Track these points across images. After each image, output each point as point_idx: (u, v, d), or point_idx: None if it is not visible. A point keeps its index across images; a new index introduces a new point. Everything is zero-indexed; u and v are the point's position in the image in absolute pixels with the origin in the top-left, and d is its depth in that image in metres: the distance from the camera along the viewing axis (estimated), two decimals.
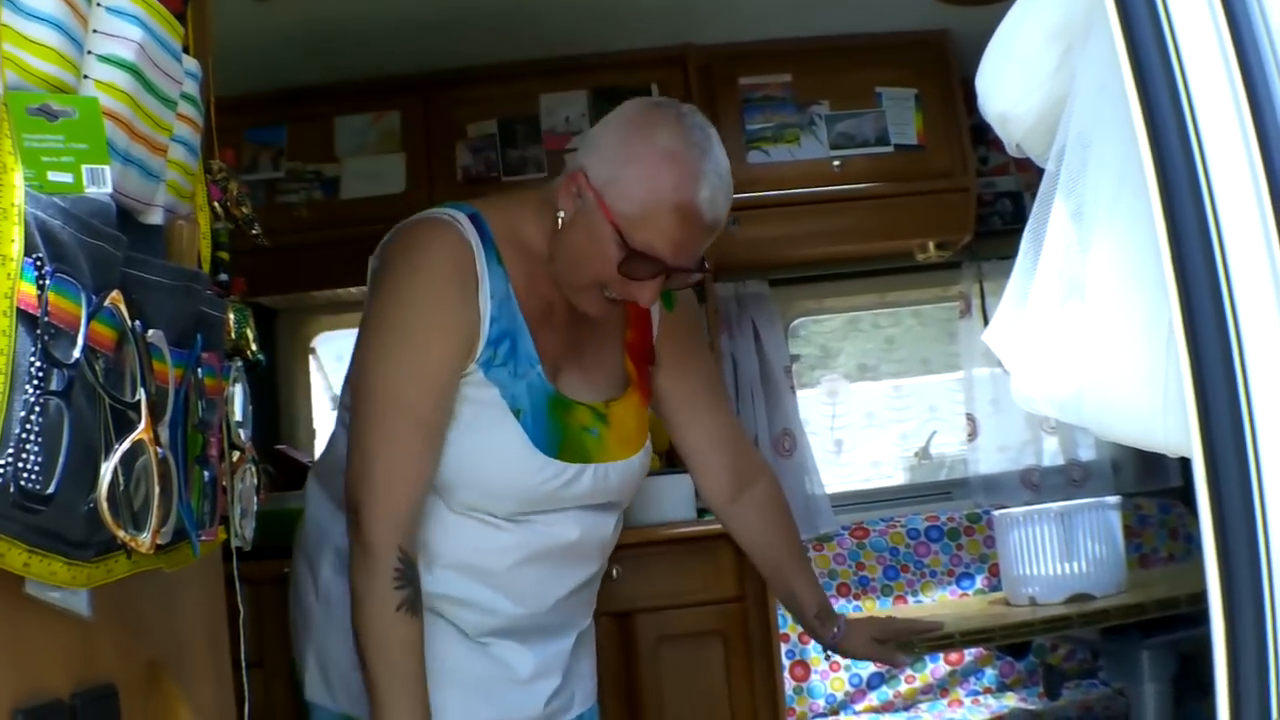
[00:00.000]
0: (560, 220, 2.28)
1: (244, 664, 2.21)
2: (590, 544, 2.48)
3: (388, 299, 2.27)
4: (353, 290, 4.79)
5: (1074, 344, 1.38)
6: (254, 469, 1.81)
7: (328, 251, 4.49)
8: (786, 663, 4.46)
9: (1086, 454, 5.13)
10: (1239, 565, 1.05)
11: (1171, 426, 1.24)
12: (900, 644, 2.91)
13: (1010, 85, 1.55)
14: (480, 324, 2.28)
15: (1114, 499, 3.46)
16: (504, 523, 2.32)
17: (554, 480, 2.33)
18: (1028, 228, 1.50)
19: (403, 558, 2.18)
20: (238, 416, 1.73)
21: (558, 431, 2.35)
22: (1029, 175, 4.83)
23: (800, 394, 5.10)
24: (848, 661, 4.42)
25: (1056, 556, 3.34)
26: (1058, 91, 1.48)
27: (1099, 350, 1.34)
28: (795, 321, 5.31)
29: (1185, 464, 3.85)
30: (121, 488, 1.28)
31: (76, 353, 1.19)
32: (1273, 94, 1.07)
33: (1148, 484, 5.03)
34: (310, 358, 5.17)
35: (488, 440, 2.28)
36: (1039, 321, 1.44)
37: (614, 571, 4.13)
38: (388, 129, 4.63)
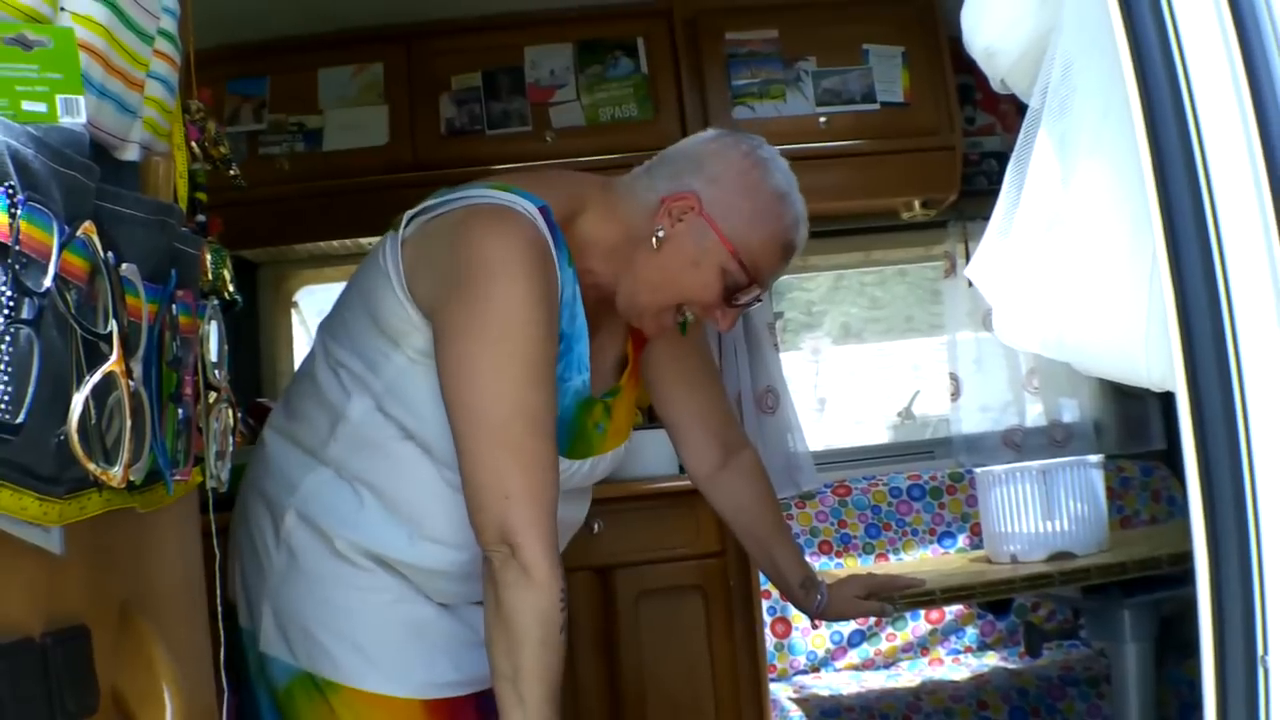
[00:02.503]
0: (656, 239, 2.32)
1: (220, 610, 2.20)
2: (568, 524, 2.49)
3: (490, 303, 2.17)
4: (334, 244, 4.77)
5: (1056, 278, 1.37)
6: (230, 410, 1.79)
7: (310, 204, 4.48)
8: (768, 619, 4.46)
9: (1070, 415, 5.13)
10: (1223, 500, 1.04)
11: (1154, 360, 1.23)
12: (881, 599, 2.93)
13: (995, 19, 1.54)
14: (559, 324, 2.28)
15: (1096, 457, 3.46)
16: None
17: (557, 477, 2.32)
18: (1011, 161, 1.49)
19: (563, 575, 2.16)
20: (213, 356, 1.71)
21: (573, 432, 2.37)
22: (1014, 136, 4.83)
23: (784, 355, 5.08)
24: None
25: (1038, 514, 3.34)
26: (1043, 25, 1.46)
27: (1081, 284, 1.33)
28: (780, 279, 5.28)
29: (1168, 426, 3.84)
30: (93, 421, 1.27)
31: (47, 281, 1.18)
32: (1260, 20, 1.06)
33: (1130, 446, 5.02)
34: (293, 311, 5.14)
35: None
36: (1021, 255, 1.43)
37: (595, 526, 4.13)
38: (371, 81, 4.60)
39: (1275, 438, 1.03)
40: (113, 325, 1.28)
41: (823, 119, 4.60)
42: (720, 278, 2.33)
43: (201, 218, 1.89)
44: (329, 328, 2.45)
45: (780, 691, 4.31)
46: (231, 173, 2.00)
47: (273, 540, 2.37)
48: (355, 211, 4.45)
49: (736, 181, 2.33)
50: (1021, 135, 1.47)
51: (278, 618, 2.35)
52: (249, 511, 2.44)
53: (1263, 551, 1.02)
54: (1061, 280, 1.37)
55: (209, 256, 1.84)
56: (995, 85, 1.64)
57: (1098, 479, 3.39)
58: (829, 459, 5.07)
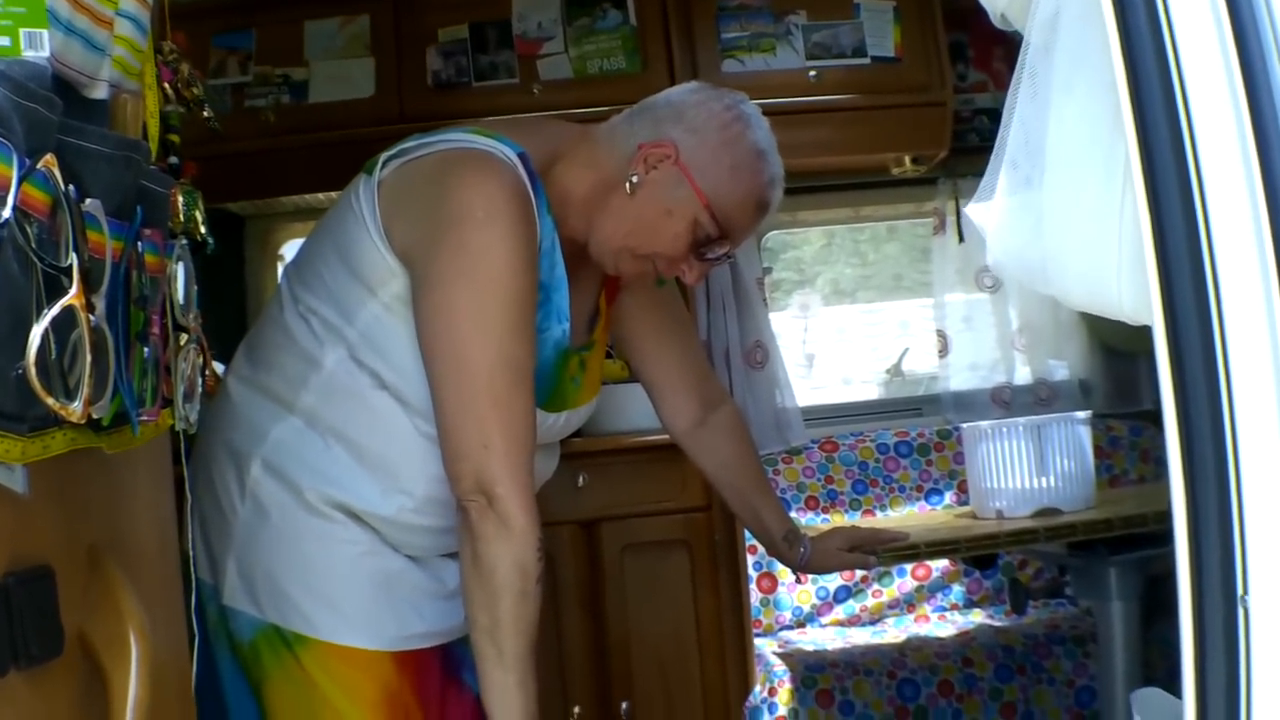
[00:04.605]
0: (630, 184, 2.29)
1: (192, 556, 2.18)
2: (538, 477, 2.47)
3: (474, 252, 2.17)
4: (320, 196, 4.74)
5: (1037, 214, 1.38)
6: (198, 351, 1.77)
7: (296, 156, 4.46)
8: (753, 574, 4.45)
9: (1059, 374, 5.12)
10: (1201, 435, 1.02)
11: (1126, 291, 1.22)
12: (864, 553, 2.92)
13: None
14: (539, 274, 2.27)
15: (1083, 414, 3.45)
16: None
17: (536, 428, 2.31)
18: (1007, 100, 1.50)
19: (539, 525, 2.17)
20: (179, 296, 1.68)
21: (551, 384, 2.36)
22: (1006, 94, 4.80)
23: (775, 314, 5.07)
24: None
25: (1024, 471, 3.33)
26: None
27: (1058, 220, 1.33)
28: (770, 235, 5.27)
29: (1157, 386, 3.86)
30: (54, 356, 1.24)
31: (6, 213, 1.15)
32: None
33: (1118, 406, 5.02)
34: (279, 264, 5.11)
35: None
36: (1008, 192, 1.44)
37: (580, 479, 4.13)
38: (357, 33, 4.57)
39: (1254, 372, 1.01)
40: (73, 258, 1.26)
41: (813, 73, 4.58)
42: (691, 229, 2.30)
43: (174, 159, 1.86)
44: (298, 274, 2.40)
45: (765, 646, 4.30)
46: (205, 114, 1.98)
47: (237, 491, 2.32)
48: (342, 164, 4.33)
49: (716, 134, 2.30)
50: (1016, 69, 1.47)
51: (243, 570, 2.31)
52: (211, 462, 2.38)
53: (1243, 488, 1.01)
54: (1041, 218, 1.37)
55: (181, 198, 1.82)
56: (995, 21, 1.63)
57: (1085, 436, 3.38)
58: (817, 415, 5.05)
